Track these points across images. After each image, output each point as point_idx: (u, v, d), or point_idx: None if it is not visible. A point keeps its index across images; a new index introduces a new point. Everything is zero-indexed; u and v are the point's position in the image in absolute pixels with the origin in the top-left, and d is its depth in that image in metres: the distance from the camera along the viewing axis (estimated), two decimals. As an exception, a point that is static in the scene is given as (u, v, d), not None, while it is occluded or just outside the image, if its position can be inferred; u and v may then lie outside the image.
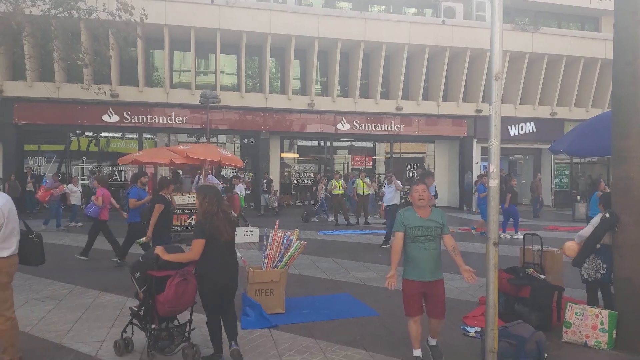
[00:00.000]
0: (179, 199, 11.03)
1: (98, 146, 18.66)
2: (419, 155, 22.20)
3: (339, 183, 15.31)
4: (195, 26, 17.19)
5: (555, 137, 19.49)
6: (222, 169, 18.55)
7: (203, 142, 16.74)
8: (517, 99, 20.75)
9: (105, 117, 17.20)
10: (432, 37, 19.25)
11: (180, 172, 14.73)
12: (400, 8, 21.47)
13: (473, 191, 18.47)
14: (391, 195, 11.21)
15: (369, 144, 21.59)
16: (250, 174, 19.49)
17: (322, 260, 9.18)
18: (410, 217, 4.19)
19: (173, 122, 17.88)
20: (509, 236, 12.44)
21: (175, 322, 4.52)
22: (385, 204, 11.43)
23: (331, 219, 15.69)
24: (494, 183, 4.02)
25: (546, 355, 4.40)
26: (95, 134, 18.55)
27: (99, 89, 15.32)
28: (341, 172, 18.66)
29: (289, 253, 5.89)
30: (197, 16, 17.10)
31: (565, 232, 13.21)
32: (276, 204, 18.04)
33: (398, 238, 4.20)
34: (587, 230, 5.28)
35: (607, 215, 5.00)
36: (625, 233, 4.83)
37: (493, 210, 4.02)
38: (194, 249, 4.11)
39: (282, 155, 20.47)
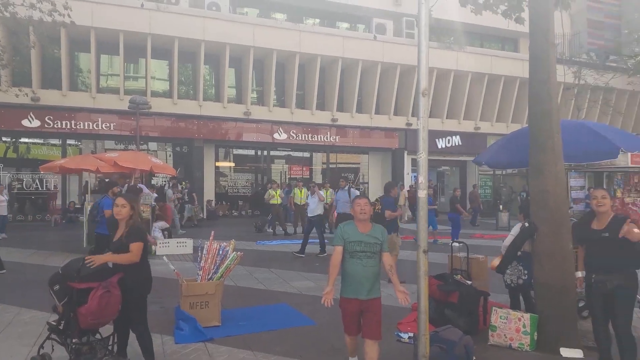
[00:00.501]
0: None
1: (17, 152, 17.44)
2: (354, 165, 22.68)
3: (276, 192, 15.23)
4: (124, 30, 16.59)
5: (479, 150, 20.63)
6: (153, 178, 17.92)
7: (132, 150, 16.10)
8: (443, 113, 21.82)
9: (25, 122, 16.10)
10: (365, 51, 19.84)
11: (107, 180, 14.05)
12: (334, 22, 21.97)
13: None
14: (315, 206, 11.27)
15: (306, 154, 21.78)
16: (185, 182, 18.93)
17: (259, 271, 9.11)
18: (350, 231, 4.04)
19: (100, 128, 17.06)
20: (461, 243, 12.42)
21: (98, 336, 4.35)
22: (309, 215, 11.45)
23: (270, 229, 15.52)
24: (422, 194, 4.17)
25: (474, 358, 4.62)
26: (14, 140, 17.30)
27: (19, 90, 14.28)
28: (278, 182, 18.60)
29: (224, 264, 5.80)
30: (126, 20, 16.51)
31: (489, 240, 13.98)
32: (201, 215, 17.40)
33: (337, 252, 4.03)
34: (508, 240, 5.65)
35: (527, 224, 5.38)
36: (543, 242, 5.18)
37: (422, 220, 4.15)
38: (136, 251, 4.14)
39: (218, 164, 20.13)
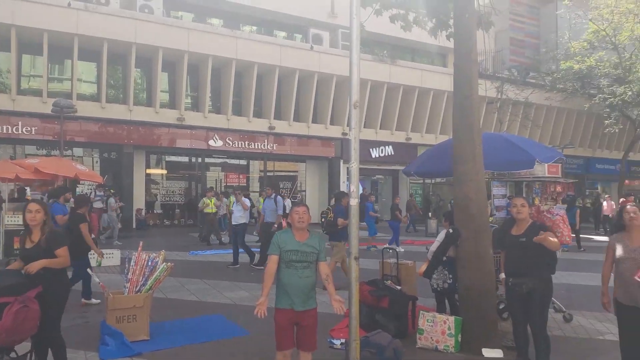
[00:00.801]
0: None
1: None
2: (292, 173, 22.71)
3: (211, 201, 14.90)
4: (49, 29, 15.69)
5: (410, 160, 21.36)
6: (78, 185, 16.98)
7: (56, 156, 15.19)
8: (377, 124, 22.44)
9: None
10: (302, 61, 20.03)
11: (27, 188, 13.16)
12: (271, 30, 22.00)
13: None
14: (239, 214, 10.90)
15: (243, 162, 21.55)
16: (112, 190, 18.06)
17: (192, 282, 8.88)
18: (286, 240, 3.92)
19: (20, 132, 15.97)
20: (402, 250, 12.70)
21: (13, 354, 4.06)
22: (233, 223, 11.19)
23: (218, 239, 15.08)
24: (353, 202, 4.27)
25: (402, 360, 4.78)
26: None
27: None
28: (215, 190, 18.18)
29: (154, 276, 5.62)
30: (50, 19, 15.62)
31: (419, 246, 14.48)
32: (119, 225, 16.27)
33: (272, 261, 3.91)
34: (434, 246, 5.91)
35: (451, 230, 5.65)
36: (465, 246, 5.46)
37: (353, 227, 4.23)
38: (66, 255, 4.05)
39: (149, 171, 19.43)
